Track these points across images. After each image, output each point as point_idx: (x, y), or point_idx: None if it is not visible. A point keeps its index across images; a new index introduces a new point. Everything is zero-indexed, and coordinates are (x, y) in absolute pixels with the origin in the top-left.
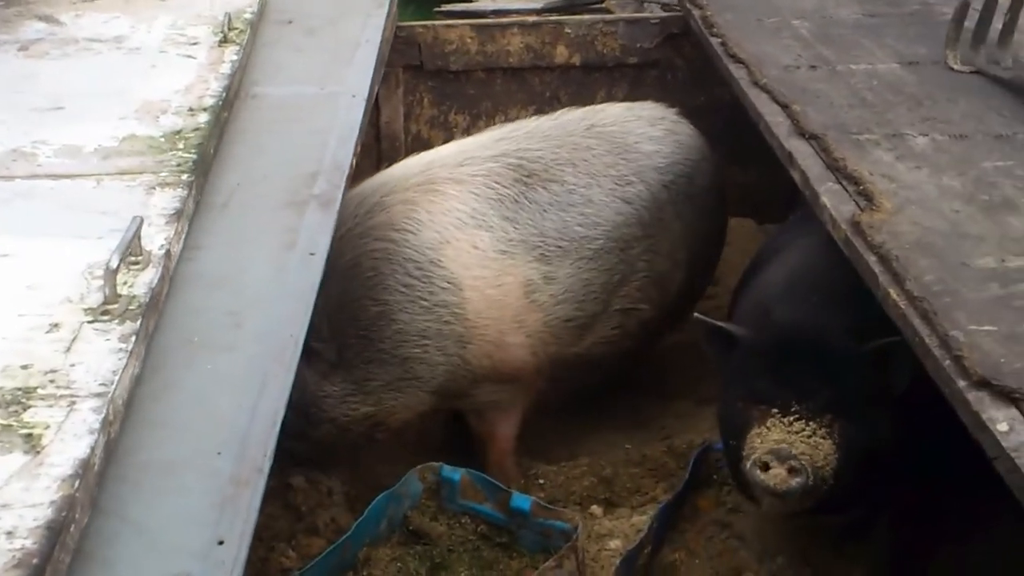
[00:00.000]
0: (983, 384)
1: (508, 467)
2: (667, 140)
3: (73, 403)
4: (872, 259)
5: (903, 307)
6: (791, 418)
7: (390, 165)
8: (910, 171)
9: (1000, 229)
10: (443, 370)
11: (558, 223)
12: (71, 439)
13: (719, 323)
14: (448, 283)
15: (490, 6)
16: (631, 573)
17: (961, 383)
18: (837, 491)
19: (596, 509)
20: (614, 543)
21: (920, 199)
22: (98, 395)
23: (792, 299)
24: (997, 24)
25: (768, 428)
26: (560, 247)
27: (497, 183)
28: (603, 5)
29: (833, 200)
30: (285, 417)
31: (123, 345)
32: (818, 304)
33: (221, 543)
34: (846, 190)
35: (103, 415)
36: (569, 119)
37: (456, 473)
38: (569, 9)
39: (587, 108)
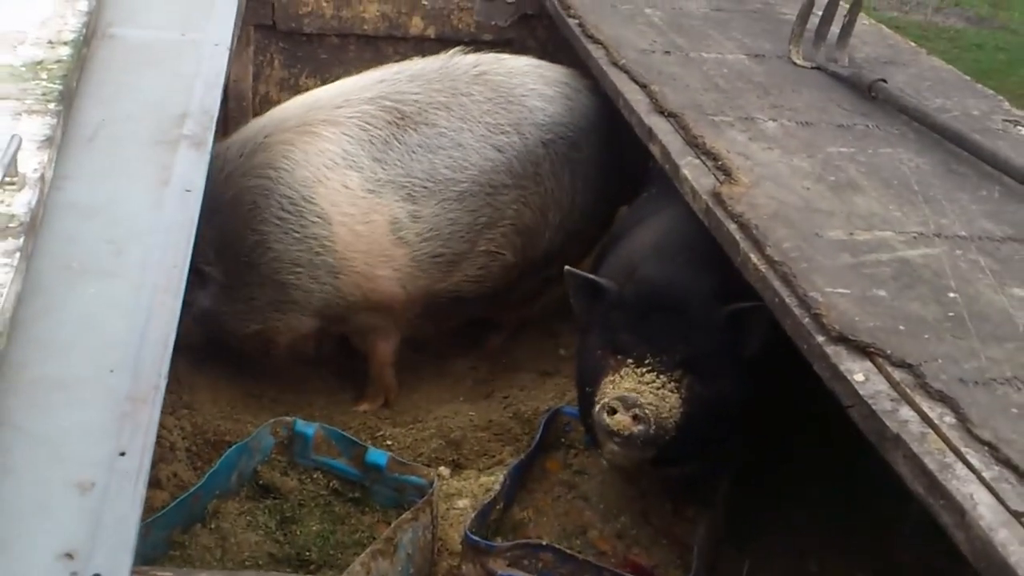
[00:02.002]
0: (840, 339)
1: (386, 377)
2: (558, 101)
3: None
4: (733, 227)
5: (763, 270)
6: (644, 369)
7: (235, 125)
8: (763, 151)
9: (847, 207)
10: (318, 296)
11: (426, 164)
12: None
13: (588, 275)
14: (318, 217)
15: None
16: (484, 527)
17: (820, 338)
18: (679, 444)
19: (444, 470)
20: (462, 502)
21: (774, 176)
22: None
23: (657, 260)
24: (836, 26)
25: (621, 377)
26: (426, 187)
27: (370, 124)
28: None
29: (694, 173)
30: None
31: (7, 260)
32: (681, 266)
33: (123, 454)
34: (705, 165)
35: None
36: (461, 63)
37: (310, 428)
38: None
39: (493, 55)
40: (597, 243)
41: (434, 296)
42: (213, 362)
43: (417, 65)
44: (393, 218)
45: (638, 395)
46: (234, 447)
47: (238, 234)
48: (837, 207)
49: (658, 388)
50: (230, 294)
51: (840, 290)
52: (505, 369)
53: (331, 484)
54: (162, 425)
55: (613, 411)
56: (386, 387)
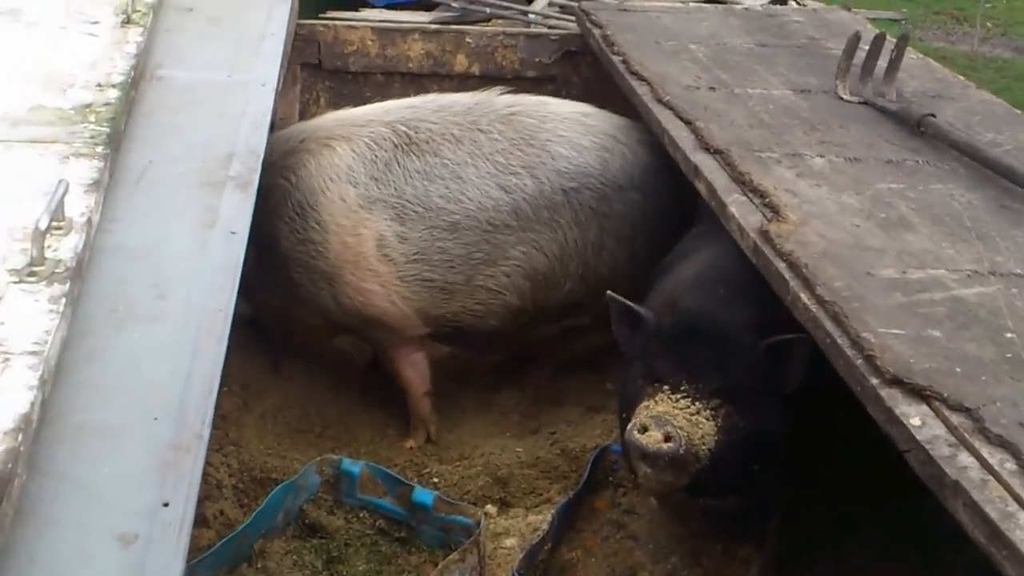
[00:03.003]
0: (895, 382)
1: (423, 409)
2: (591, 152)
3: (7, 360)
4: (782, 265)
5: (814, 310)
6: (678, 395)
7: None
8: (811, 188)
9: (898, 245)
10: (320, 297)
11: (419, 190)
12: (9, 394)
13: (628, 303)
14: (316, 224)
15: (376, 18)
16: (532, 568)
17: (874, 380)
18: (714, 473)
19: (491, 508)
20: (509, 541)
21: (823, 213)
22: (33, 353)
23: (697, 291)
24: (883, 60)
25: (656, 402)
26: (416, 212)
27: (377, 145)
28: (489, 24)
29: (741, 210)
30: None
31: (53, 307)
32: (721, 298)
33: (166, 505)
34: (752, 202)
35: (39, 372)
36: (496, 101)
37: (356, 466)
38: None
39: (540, 98)
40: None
41: (434, 321)
42: (259, 398)
43: (452, 98)
44: (380, 235)
45: (671, 418)
46: (280, 486)
47: (266, 222)
48: (888, 245)
49: (692, 414)
50: (259, 272)
51: (893, 330)
52: (552, 404)
53: (377, 523)
54: (208, 463)
55: (644, 428)
56: (424, 420)
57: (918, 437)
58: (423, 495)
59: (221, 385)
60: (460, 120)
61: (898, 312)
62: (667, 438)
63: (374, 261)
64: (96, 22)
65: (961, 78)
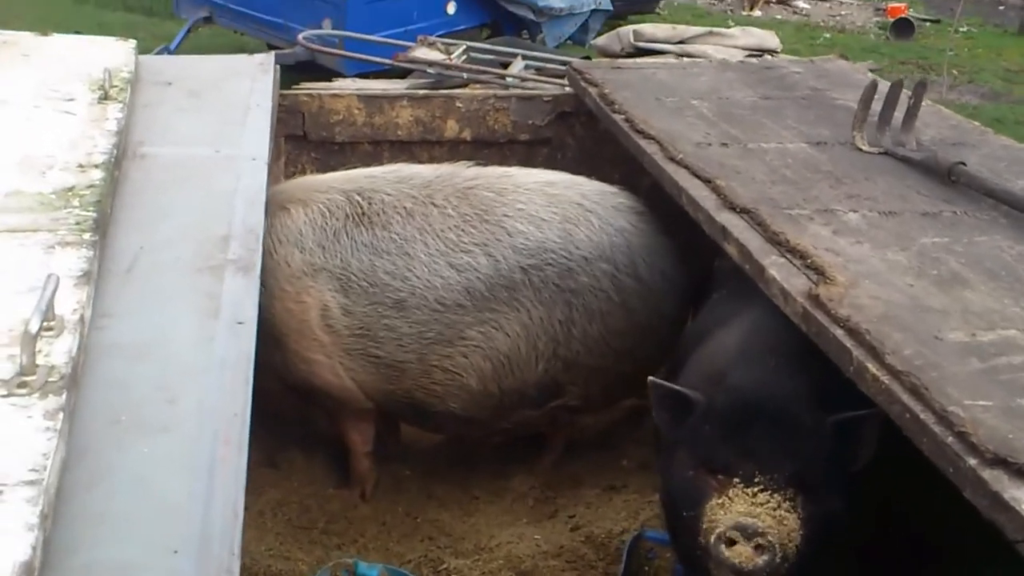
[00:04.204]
0: (998, 462)
1: (362, 467)
2: (551, 225)
3: (1, 493)
4: (839, 332)
5: (886, 382)
6: (754, 489)
7: None
8: (852, 246)
9: (959, 304)
10: (272, 360)
11: (366, 264)
12: (6, 538)
13: (674, 387)
14: (263, 287)
15: (351, 87)
16: None
17: (972, 461)
18: (797, 569)
19: None
20: None
21: (871, 273)
22: (30, 483)
23: (746, 365)
24: (898, 110)
25: (731, 499)
26: (361, 286)
27: (329, 212)
28: (466, 89)
29: (782, 273)
30: None
31: (49, 423)
32: (773, 370)
33: None
34: (793, 264)
35: (39, 507)
36: (460, 174)
37: (373, 570)
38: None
39: (505, 169)
40: (629, 377)
41: (383, 397)
42: (256, 495)
43: (417, 169)
44: (324, 305)
45: (756, 519)
46: None
47: None
48: (949, 305)
49: (774, 509)
50: None
51: (981, 402)
52: (567, 485)
53: None
54: None
55: (732, 542)
56: (361, 478)
57: None
58: None
59: None
60: (416, 193)
61: (979, 380)
62: (760, 548)
63: (318, 331)
64: (71, 99)
65: (977, 124)
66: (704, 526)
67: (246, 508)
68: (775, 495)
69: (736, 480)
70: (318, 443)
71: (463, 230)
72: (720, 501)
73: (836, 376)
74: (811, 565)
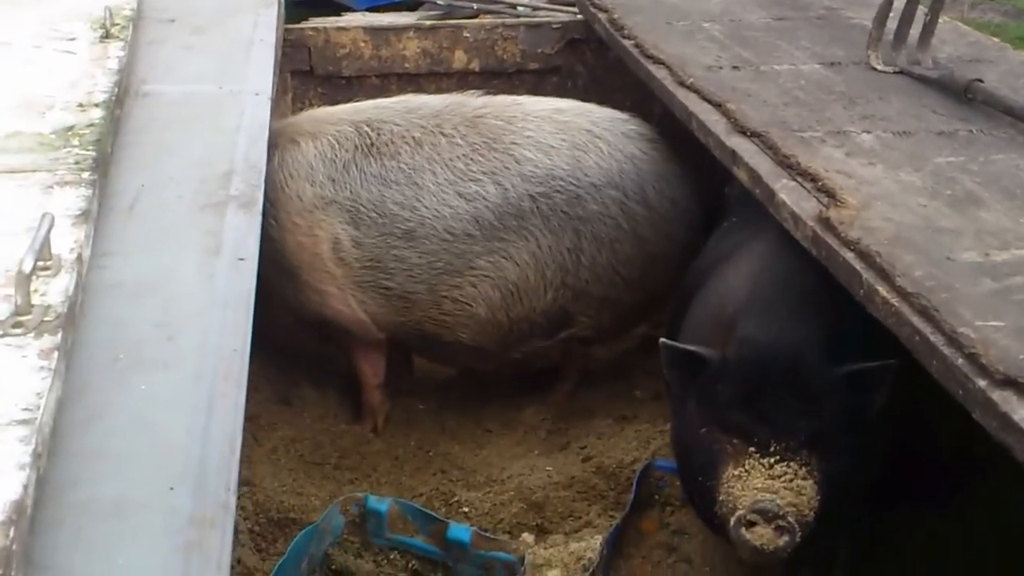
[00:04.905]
0: (1008, 382)
1: (373, 399)
2: (562, 152)
3: None
4: (850, 255)
5: (896, 304)
6: (771, 459)
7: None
8: (864, 167)
9: (974, 224)
10: (284, 294)
11: (375, 195)
12: None
13: (687, 347)
14: (274, 221)
15: (360, 20)
16: None
17: (981, 382)
18: (817, 530)
19: (528, 537)
20: (552, 573)
21: (884, 195)
22: (23, 422)
23: (759, 315)
24: (914, 28)
25: (748, 471)
26: (371, 217)
27: (339, 144)
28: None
29: (792, 197)
30: None
31: (44, 362)
32: (788, 320)
33: None
34: (803, 187)
35: (32, 446)
36: (469, 103)
37: (383, 504)
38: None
39: (514, 97)
40: (640, 306)
41: (394, 328)
42: (269, 431)
43: (426, 99)
44: (335, 237)
45: (775, 496)
46: (302, 532)
47: None
48: (962, 225)
49: (791, 480)
50: None
51: (993, 323)
52: (579, 416)
53: (410, 565)
54: None
55: (751, 524)
56: (373, 411)
57: None
58: (459, 531)
59: None
60: (425, 123)
61: (992, 300)
62: (779, 530)
63: (330, 263)
64: (72, 38)
65: (996, 40)
66: (721, 498)
67: (259, 445)
68: (792, 464)
69: (752, 449)
70: (330, 379)
71: (471, 159)
72: (737, 472)
73: (851, 314)
74: (834, 522)
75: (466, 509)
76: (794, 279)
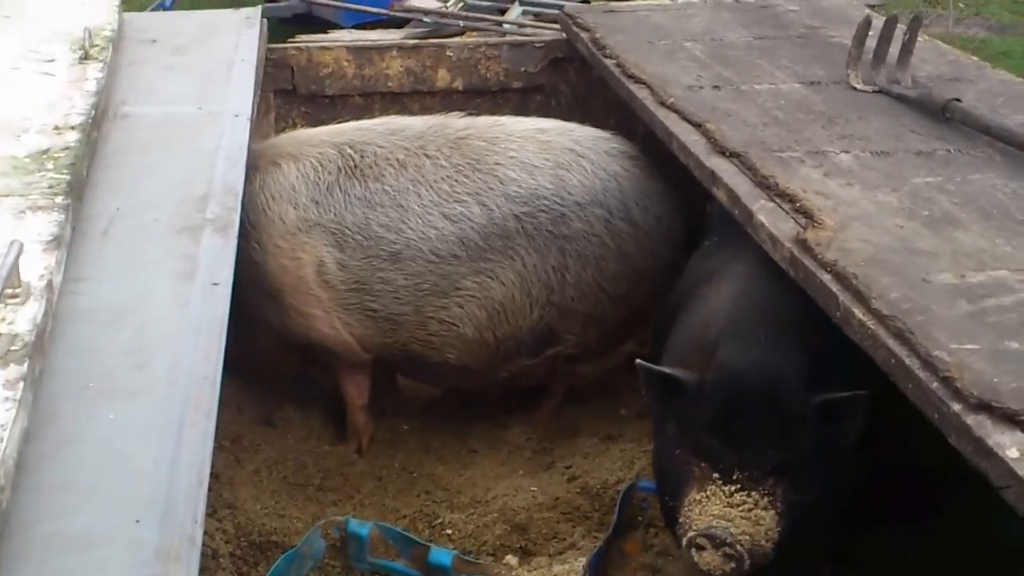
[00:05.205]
0: (982, 407)
1: (358, 420)
2: (546, 172)
3: None
4: (826, 277)
5: (871, 327)
6: (732, 487)
7: None
8: (842, 188)
9: (950, 245)
10: (268, 317)
11: (359, 217)
12: None
13: (665, 370)
14: (257, 244)
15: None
16: None
17: (956, 406)
18: (778, 555)
19: (512, 559)
20: None
21: (861, 215)
22: None
23: (738, 339)
24: (893, 47)
25: (708, 497)
26: (355, 240)
27: (322, 166)
28: (463, 37)
29: (770, 218)
30: None
31: (9, 393)
32: (766, 346)
33: None
34: (782, 207)
35: None
36: (452, 124)
37: (364, 527)
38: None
39: (496, 118)
40: (626, 323)
41: (380, 349)
42: (252, 453)
43: (408, 121)
44: (319, 260)
45: (728, 524)
46: (283, 556)
47: None
48: (939, 246)
49: (750, 510)
50: None
51: (967, 345)
52: (564, 435)
53: None
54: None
55: (701, 548)
56: (357, 431)
57: (1018, 471)
58: (440, 555)
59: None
60: (409, 145)
61: (967, 323)
62: (727, 557)
63: (314, 286)
64: (52, 60)
65: (975, 59)
66: (680, 519)
67: (242, 466)
68: (753, 493)
69: (716, 475)
70: (314, 400)
71: (456, 180)
72: (698, 497)
73: (832, 338)
74: (799, 548)
75: (449, 531)
76: (774, 302)
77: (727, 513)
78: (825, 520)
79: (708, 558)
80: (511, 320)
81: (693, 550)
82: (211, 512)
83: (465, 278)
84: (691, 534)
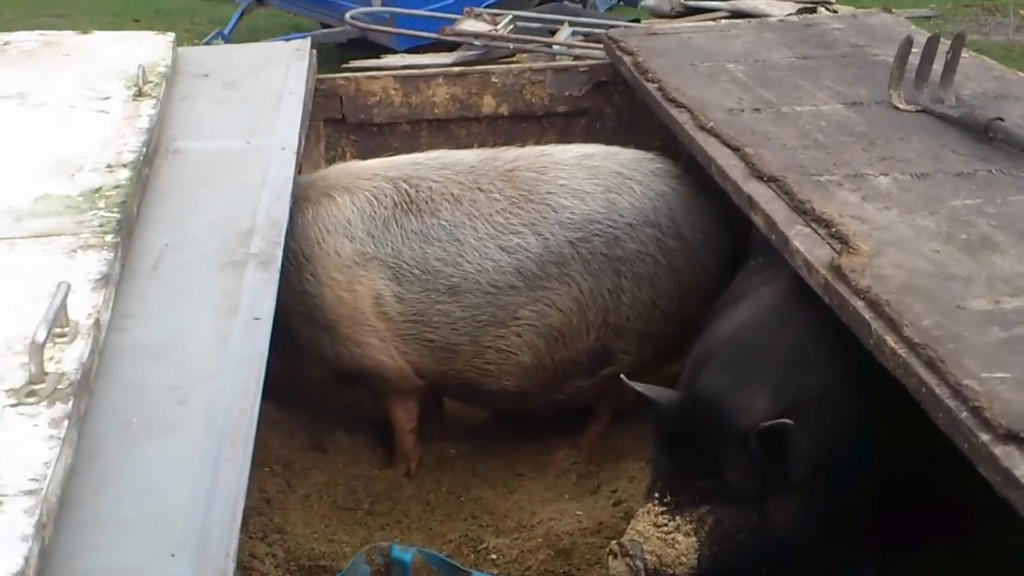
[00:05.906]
0: (1010, 437)
1: (407, 444)
2: (596, 197)
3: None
4: (859, 304)
5: (903, 355)
6: (660, 508)
7: None
8: (879, 212)
9: (986, 270)
10: (319, 346)
11: (417, 252)
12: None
13: (638, 389)
14: (311, 276)
15: (398, 64)
16: None
17: (984, 437)
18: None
19: None
20: None
21: (897, 240)
22: (29, 492)
23: (715, 364)
24: (937, 64)
25: (644, 512)
26: (413, 274)
27: (377, 200)
28: (513, 60)
29: (806, 244)
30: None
31: (54, 431)
32: (737, 376)
33: None
34: (817, 233)
35: (36, 517)
36: (501, 157)
37: (407, 553)
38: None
39: (542, 148)
40: (678, 339)
41: (435, 377)
42: (302, 477)
43: (459, 155)
44: (376, 293)
45: (643, 541)
46: None
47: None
48: (975, 271)
49: (668, 533)
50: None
51: (998, 374)
52: (609, 458)
53: None
54: (252, 554)
55: (613, 554)
56: (406, 456)
57: None
58: None
59: (260, 466)
60: (462, 179)
61: (999, 351)
62: (630, 569)
63: (372, 317)
64: (107, 97)
65: (1022, 74)
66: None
67: (293, 491)
68: (677, 518)
69: (656, 494)
70: (363, 425)
71: (510, 212)
72: (640, 510)
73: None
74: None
75: (494, 555)
76: (775, 335)
77: (645, 530)
78: (784, 547)
79: (614, 565)
80: (568, 344)
81: (608, 555)
82: (262, 536)
83: (523, 307)
84: (614, 541)
